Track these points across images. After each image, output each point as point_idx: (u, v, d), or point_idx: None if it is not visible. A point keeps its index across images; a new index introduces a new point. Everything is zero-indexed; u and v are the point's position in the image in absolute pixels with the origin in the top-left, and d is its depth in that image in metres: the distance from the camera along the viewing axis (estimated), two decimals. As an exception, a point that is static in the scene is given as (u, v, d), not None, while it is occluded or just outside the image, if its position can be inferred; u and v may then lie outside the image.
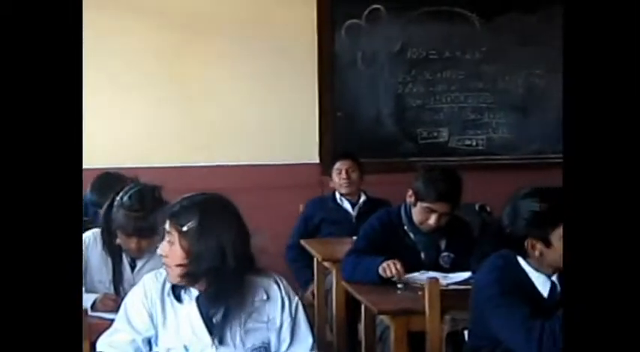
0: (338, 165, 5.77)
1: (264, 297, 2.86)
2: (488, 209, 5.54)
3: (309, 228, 5.70)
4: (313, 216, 5.73)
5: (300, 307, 2.92)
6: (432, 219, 4.01)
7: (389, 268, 3.79)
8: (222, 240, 2.73)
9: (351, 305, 4.55)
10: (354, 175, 5.74)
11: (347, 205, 5.72)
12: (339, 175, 5.73)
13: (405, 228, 4.12)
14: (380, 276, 3.82)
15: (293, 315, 2.89)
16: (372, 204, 5.50)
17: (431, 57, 6.76)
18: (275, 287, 2.88)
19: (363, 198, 5.73)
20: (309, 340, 2.92)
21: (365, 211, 5.42)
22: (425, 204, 4.02)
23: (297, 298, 2.94)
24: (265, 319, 2.85)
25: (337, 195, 5.75)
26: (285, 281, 2.94)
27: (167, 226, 2.76)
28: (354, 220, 5.58)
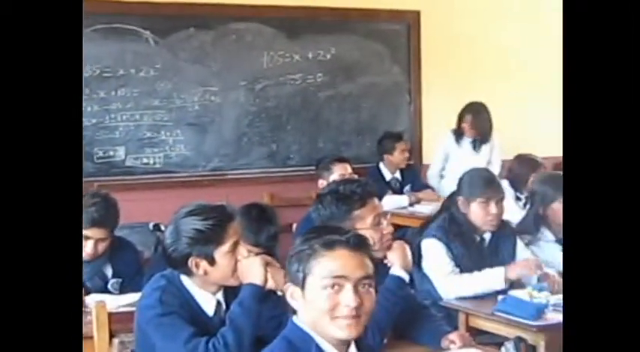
0: None
1: None
2: (162, 227, 5.53)
3: None
4: None
5: None
6: (89, 247, 3.79)
7: None
8: None
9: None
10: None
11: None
12: None
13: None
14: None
15: None
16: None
17: (105, 75, 6.64)
18: None
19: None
20: None
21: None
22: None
23: None
24: None
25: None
26: None
27: None
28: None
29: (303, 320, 2.33)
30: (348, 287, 2.27)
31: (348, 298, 2.26)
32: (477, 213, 4.15)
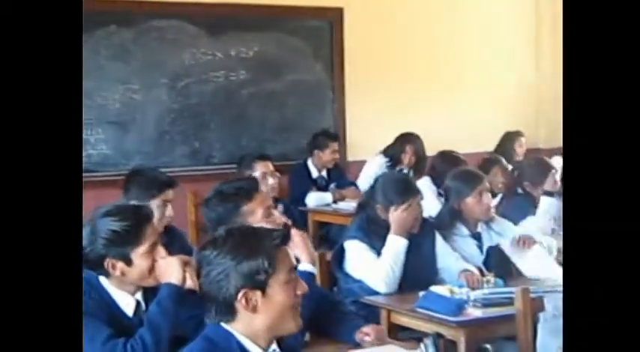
0: None
1: None
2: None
3: None
4: None
5: None
6: None
7: None
8: None
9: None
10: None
11: None
12: None
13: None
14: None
15: None
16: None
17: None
18: None
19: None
20: None
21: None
22: None
23: None
24: None
25: None
26: None
27: None
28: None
29: (248, 326, 2.32)
30: (298, 278, 2.39)
31: (302, 286, 2.36)
32: (397, 217, 4.16)
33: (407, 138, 7.38)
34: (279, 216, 3.49)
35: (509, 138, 8.27)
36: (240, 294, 2.29)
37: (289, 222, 3.53)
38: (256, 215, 3.40)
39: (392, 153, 7.36)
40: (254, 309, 2.30)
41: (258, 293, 2.30)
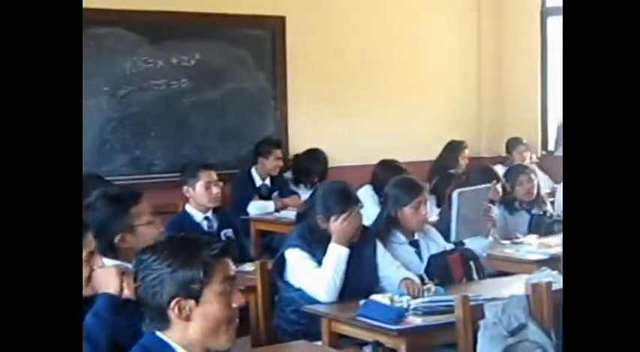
0: None
1: None
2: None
3: None
4: None
5: None
6: None
7: None
8: None
9: None
10: None
11: None
12: None
13: None
14: None
15: None
16: None
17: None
18: None
19: None
20: None
21: None
22: None
23: None
24: None
25: None
26: None
27: None
28: None
29: (182, 336, 2.29)
30: (236, 290, 2.34)
31: (239, 299, 2.33)
32: (338, 227, 4.16)
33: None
34: (159, 226, 3.50)
35: (452, 148, 8.33)
36: (173, 302, 2.26)
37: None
38: (142, 218, 3.41)
39: None
40: (187, 318, 2.27)
41: (192, 302, 2.27)
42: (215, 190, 5.24)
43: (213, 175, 5.33)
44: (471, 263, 4.55)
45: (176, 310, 2.26)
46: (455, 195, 4.80)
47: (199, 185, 5.20)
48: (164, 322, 2.28)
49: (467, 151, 8.37)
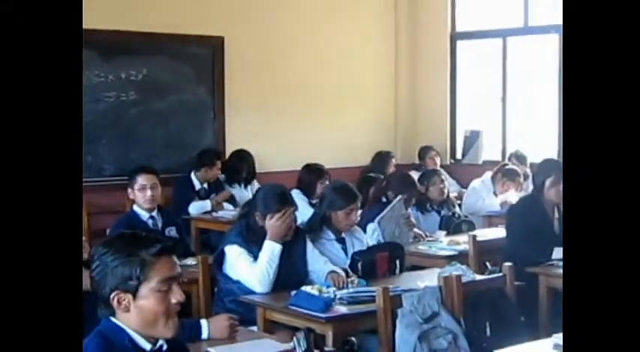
0: None
1: None
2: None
3: None
4: None
5: None
6: None
7: None
8: None
9: None
10: None
11: None
12: None
13: None
14: None
15: None
16: None
17: None
18: None
19: None
20: None
21: None
22: None
23: None
24: None
25: None
26: None
27: None
28: None
29: (127, 323, 2.28)
30: (176, 287, 2.29)
31: (179, 295, 2.28)
32: (273, 225, 4.16)
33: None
34: None
35: (380, 158, 8.42)
36: (113, 294, 2.25)
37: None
38: None
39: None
40: (126, 310, 2.26)
41: (130, 296, 2.25)
42: (149, 193, 5.06)
43: (153, 178, 5.20)
44: (397, 261, 4.60)
45: (115, 302, 2.25)
46: (374, 225, 4.95)
47: (136, 187, 5.10)
48: (110, 310, 2.28)
49: (394, 160, 8.47)
